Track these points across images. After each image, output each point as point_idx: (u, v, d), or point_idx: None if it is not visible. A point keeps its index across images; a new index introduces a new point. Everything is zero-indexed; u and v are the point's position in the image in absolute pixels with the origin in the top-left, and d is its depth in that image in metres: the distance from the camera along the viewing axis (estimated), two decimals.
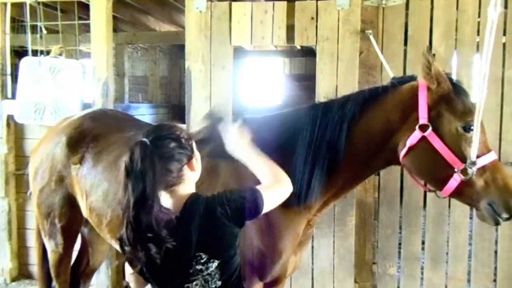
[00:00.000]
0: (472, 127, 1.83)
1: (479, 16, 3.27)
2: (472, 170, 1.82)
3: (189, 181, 1.63)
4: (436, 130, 1.89)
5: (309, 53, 7.92)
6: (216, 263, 1.55)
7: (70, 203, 2.69)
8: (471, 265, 3.44)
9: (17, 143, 4.05)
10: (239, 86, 8.58)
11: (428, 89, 1.94)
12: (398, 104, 2.00)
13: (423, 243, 3.51)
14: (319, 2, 3.34)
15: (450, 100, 1.92)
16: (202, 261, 1.54)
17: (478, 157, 1.83)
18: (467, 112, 1.89)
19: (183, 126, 1.69)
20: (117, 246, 2.57)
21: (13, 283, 4.05)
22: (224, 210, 1.55)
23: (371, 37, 3.21)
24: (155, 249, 1.47)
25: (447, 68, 3.32)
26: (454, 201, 3.37)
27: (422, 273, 3.52)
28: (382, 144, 2.01)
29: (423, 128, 1.89)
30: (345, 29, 3.32)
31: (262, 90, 9.51)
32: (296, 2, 3.38)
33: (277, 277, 2.15)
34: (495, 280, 3.42)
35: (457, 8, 3.28)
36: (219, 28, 3.46)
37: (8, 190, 4.02)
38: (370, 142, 2.02)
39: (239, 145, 1.88)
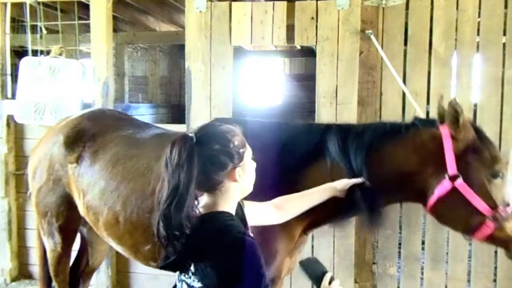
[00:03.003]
0: (501, 175, 1.88)
1: (479, 16, 3.27)
2: (504, 216, 1.86)
3: (227, 191, 1.50)
4: (465, 180, 1.89)
5: (309, 53, 7.92)
6: (200, 284, 1.43)
7: (68, 202, 2.69)
8: (471, 265, 3.44)
9: (17, 143, 4.05)
10: (239, 86, 8.58)
11: (453, 137, 1.94)
12: (421, 148, 1.99)
13: (423, 243, 3.50)
14: (319, 2, 3.34)
15: (476, 148, 1.94)
16: (189, 273, 1.46)
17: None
18: (494, 160, 1.91)
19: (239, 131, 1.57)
20: (113, 244, 2.57)
21: (13, 283, 4.05)
22: (232, 253, 1.39)
23: (372, 36, 3.21)
24: (180, 246, 1.42)
25: (447, 68, 3.33)
26: None
27: (422, 273, 3.52)
28: (399, 183, 2.01)
29: (452, 178, 1.89)
30: (345, 29, 3.32)
31: (262, 90, 9.52)
32: (296, 2, 3.38)
33: (272, 279, 2.14)
34: (495, 280, 3.42)
35: (457, 8, 3.27)
36: (219, 28, 3.46)
37: (8, 190, 4.02)
38: (384, 176, 2.01)
39: None
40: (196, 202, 1.47)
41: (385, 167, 2.02)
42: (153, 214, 1.50)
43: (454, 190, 1.89)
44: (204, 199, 1.52)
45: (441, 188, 1.91)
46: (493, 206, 1.88)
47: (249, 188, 1.59)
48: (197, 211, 1.47)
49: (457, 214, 1.95)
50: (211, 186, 1.48)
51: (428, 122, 2.11)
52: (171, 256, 1.48)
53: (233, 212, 1.55)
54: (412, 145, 2.01)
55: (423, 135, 2.02)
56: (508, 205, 1.88)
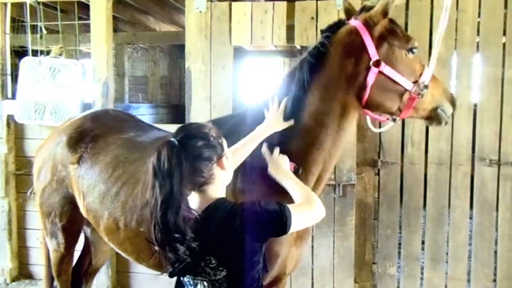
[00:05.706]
0: (414, 49, 1.98)
1: (479, 16, 3.28)
2: (424, 90, 1.97)
3: (219, 181, 1.59)
4: (387, 62, 1.95)
5: None
6: (224, 273, 1.51)
7: (71, 202, 2.68)
8: (471, 265, 3.45)
9: (17, 143, 4.05)
10: (239, 86, 8.58)
11: (367, 26, 1.97)
12: (346, 53, 1.99)
13: (423, 243, 3.51)
14: (319, 2, 3.35)
15: (391, 30, 1.99)
16: (211, 265, 1.52)
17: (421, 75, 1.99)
18: (407, 37, 2.00)
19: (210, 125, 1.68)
20: (115, 247, 2.56)
21: (13, 283, 4.05)
22: (245, 223, 1.48)
23: None
24: (183, 249, 1.46)
25: (447, 68, 3.33)
26: (454, 201, 3.38)
27: (422, 273, 3.53)
28: (345, 96, 2.00)
29: (377, 64, 1.94)
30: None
31: (262, 90, 9.51)
32: (296, 2, 3.38)
33: (277, 276, 2.14)
34: (495, 280, 3.43)
35: (457, 8, 3.28)
36: (219, 28, 3.47)
37: (8, 190, 4.02)
38: (332, 100, 2.00)
39: (279, 168, 1.92)
40: (189, 203, 1.53)
41: (330, 90, 2.00)
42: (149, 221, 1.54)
43: (380, 75, 1.94)
44: (195, 197, 1.57)
45: (370, 77, 1.94)
46: (415, 80, 1.97)
47: (231, 175, 1.68)
48: (193, 212, 1.52)
49: (387, 98, 1.99)
50: (204, 181, 1.55)
51: (336, 25, 2.09)
52: (174, 259, 1.50)
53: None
54: (338, 55, 1.99)
55: (342, 38, 2.01)
56: (426, 86, 1.97)
